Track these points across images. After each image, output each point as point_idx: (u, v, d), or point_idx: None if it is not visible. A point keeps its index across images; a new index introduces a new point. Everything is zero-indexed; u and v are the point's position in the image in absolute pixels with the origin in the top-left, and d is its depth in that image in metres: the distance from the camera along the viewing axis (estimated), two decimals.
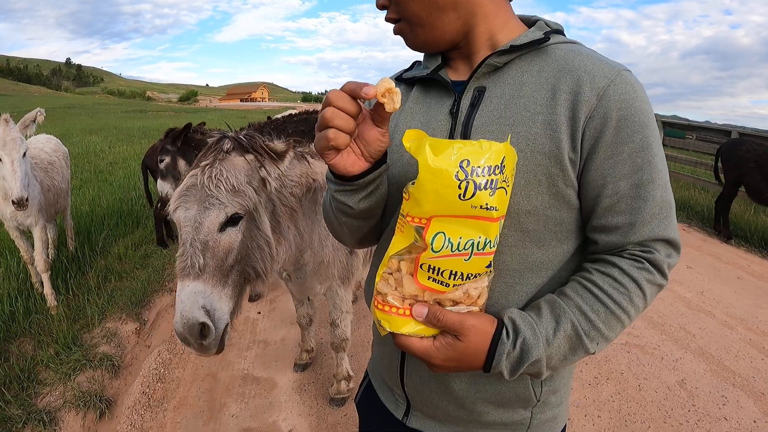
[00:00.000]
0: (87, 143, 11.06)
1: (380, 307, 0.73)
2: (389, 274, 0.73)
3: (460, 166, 0.64)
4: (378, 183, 0.80)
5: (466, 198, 0.64)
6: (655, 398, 2.58)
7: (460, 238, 0.66)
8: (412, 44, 0.84)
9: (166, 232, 4.58)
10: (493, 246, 0.68)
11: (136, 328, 3.16)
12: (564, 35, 0.83)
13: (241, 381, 2.66)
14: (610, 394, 2.61)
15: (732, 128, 8.72)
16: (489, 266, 0.70)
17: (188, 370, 2.75)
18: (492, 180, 0.64)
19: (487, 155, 0.64)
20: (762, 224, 5.91)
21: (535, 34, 0.79)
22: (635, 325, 3.38)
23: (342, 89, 0.69)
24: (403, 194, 0.70)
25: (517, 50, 0.78)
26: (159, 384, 2.57)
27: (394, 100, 0.66)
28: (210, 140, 1.48)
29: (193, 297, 1.29)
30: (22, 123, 2.82)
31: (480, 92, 0.81)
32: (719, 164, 5.92)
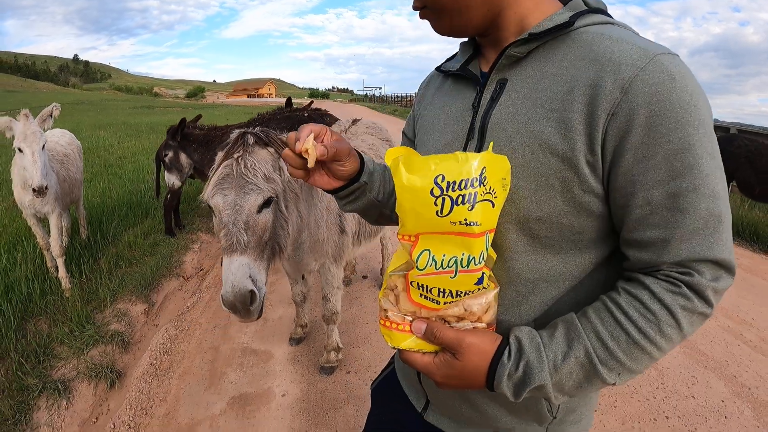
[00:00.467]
0: (96, 138, 11.30)
1: (383, 322, 0.72)
2: (390, 290, 0.72)
3: (435, 182, 0.62)
4: (355, 196, 0.88)
5: (443, 215, 0.62)
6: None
7: (444, 255, 0.64)
8: (439, 30, 0.79)
9: (174, 221, 4.80)
10: (480, 262, 0.65)
11: (145, 309, 3.36)
12: (604, 14, 0.73)
13: (240, 353, 2.88)
14: None
15: (731, 125, 8.81)
16: (479, 283, 0.66)
17: (192, 343, 2.97)
18: (470, 194, 0.61)
19: (463, 168, 0.62)
20: (755, 219, 5.96)
21: (560, 17, 0.70)
22: None
23: (288, 137, 0.77)
24: None
25: (538, 38, 0.70)
26: (165, 356, 2.79)
27: (310, 159, 0.72)
28: (232, 135, 1.65)
29: (242, 269, 1.48)
30: (40, 117, 3.02)
31: (502, 85, 0.75)
32: None
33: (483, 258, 0.64)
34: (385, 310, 0.72)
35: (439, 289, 0.66)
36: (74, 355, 2.75)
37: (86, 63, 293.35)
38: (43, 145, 2.91)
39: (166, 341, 2.92)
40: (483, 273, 0.66)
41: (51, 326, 3.05)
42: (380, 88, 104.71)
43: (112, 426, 2.26)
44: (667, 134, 0.60)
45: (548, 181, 0.67)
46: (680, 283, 0.63)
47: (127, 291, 3.48)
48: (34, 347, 2.76)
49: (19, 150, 2.86)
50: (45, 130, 3.10)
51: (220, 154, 1.61)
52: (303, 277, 2.62)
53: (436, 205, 0.62)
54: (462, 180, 0.61)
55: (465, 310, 0.68)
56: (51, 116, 3.09)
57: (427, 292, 0.67)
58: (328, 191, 0.86)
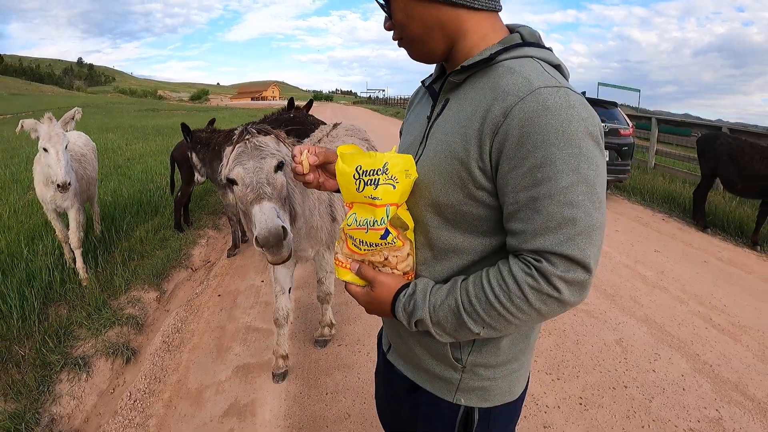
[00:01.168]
0: (105, 140, 11.58)
1: (336, 262, 1.00)
2: (341, 240, 0.99)
3: (355, 170, 0.89)
4: None
5: (359, 191, 0.89)
6: (591, 351, 3.01)
7: (361, 217, 0.90)
8: (413, 57, 0.98)
9: (183, 218, 5.08)
10: (381, 224, 0.88)
11: (156, 296, 3.63)
12: (537, 45, 0.89)
13: (244, 330, 3.17)
14: (549, 346, 3.03)
15: (727, 125, 9.00)
16: (384, 238, 0.90)
17: (201, 324, 3.25)
18: (375, 179, 0.87)
19: (371, 161, 0.89)
20: (740, 215, 6.15)
21: (487, 52, 0.86)
22: (590, 295, 3.77)
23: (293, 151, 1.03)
24: None
25: (468, 69, 0.87)
26: (177, 334, 3.07)
27: (304, 166, 1.00)
28: (237, 130, 1.90)
29: (272, 211, 1.70)
30: (63, 120, 3.29)
31: (446, 103, 0.94)
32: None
33: (384, 222, 0.88)
34: (336, 253, 1.00)
35: (360, 239, 0.92)
36: (92, 336, 2.99)
37: (90, 66, 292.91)
38: (66, 146, 3.18)
39: (177, 322, 3.20)
40: (387, 230, 0.89)
41: (70, 311, 3.29)
42: (383, 90, 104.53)
43: (129, 394, 2.53)
44: (533, 151, 0.76)
45: (452, 178, 0.86)
46: (532, 267, 0.78)
47: (140, 280, 3.74)
48: (56, 329, 2.99)
49: (44, 150, 3.12)
50: (67, 132, 3.37)
51: (228, 148, 1.85)
52: (290, 290, 2.70)
53: (355, 184, 0.89)
54: (371, 169, 0.88)
55: (385, 259, 0.93)
56: (73, 119, 3.36)
57: (354, 242, 0.94)
58: (336, 191, 1.06)
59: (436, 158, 0.90)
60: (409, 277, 0.95)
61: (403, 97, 55.50)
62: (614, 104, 7.38)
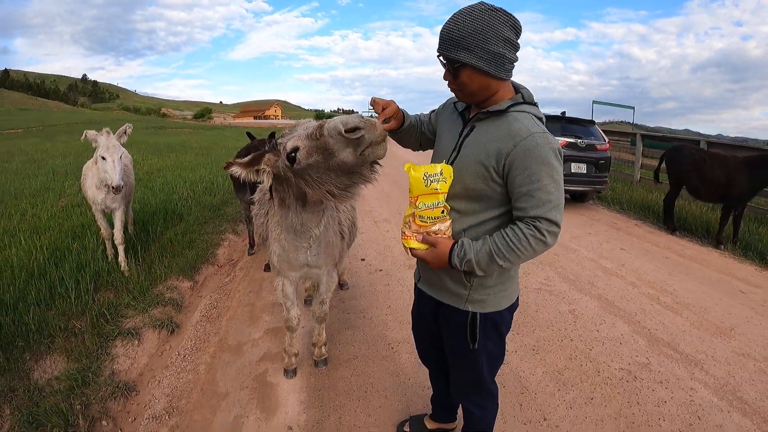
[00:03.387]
0: None
1: (403, 237, 1.60)
2: (405, 223, 1.59)
3: (423, 174, 1.49)
4: (403, 132, 1.80)
5: (427, 186, 1.49)
6: (546, 317, 3.66)
7: (429, 202, 1.51)
8: (460, 99, 1.62)
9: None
10: (439, 205, 1.51)
11: (190, 285, 4.24)
12: (530, 103, 1.54)
13: (271, 306, 3.82)
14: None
15: (702, 137, 9.62)
16: (443, 213, 1.54)
17: (234, 301, 3.89)
18: (436, 178, 1.49)
19: (432, 169, 1.49)
20: (709, 219, 6.75)
21: (503, 105, 1.50)
22: (552, 279, 4.44)
23: (376, 103, 1.73)
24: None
25: (491, 114, 1.52)
26: (214, 310, 3.72)
27: (387, 115, 1.69)
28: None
29: (339, 118, 1.66)
30: (118, 134, 3.90)
31: (472, 128, 1.57)
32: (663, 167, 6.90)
33: (441, 203, 1.52)
34: (403, 231, 1.61)
35: (427, 216, 1.54)
36: (139, 313, 3.53)
37: (95, 83, 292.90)
38: (121, 156, 3.82)
39: (213, 301, 3.85)
40: (443, 209, 1.54)
41: (117, 295, 3.82)
42: None
43: (178, 353, 3.14)
44: (530, 166, 1.41)
45: (477, 175, 1.50)
46: (531, 226, 1.44)
47: (174, 272, 4.32)
48: (107, 307, 3.52)
49: (102, 158, 3.74)
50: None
51: (270, 156, 1.93)
52: (304, 301, 2.94)
53: (424, 182, 1.50)
54: (432, 173, 1.50)
55: (439, 229, 1.55)
56: (125, 133, 3.99)
57: (423, 219, 1.54)
58: (396, 130, 1.77)
59: (468, 162, 1.54)
60: (451, 240, 1.57)
61: None
62: (592, 122, 8.10)
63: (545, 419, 2.51)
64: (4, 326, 3.04)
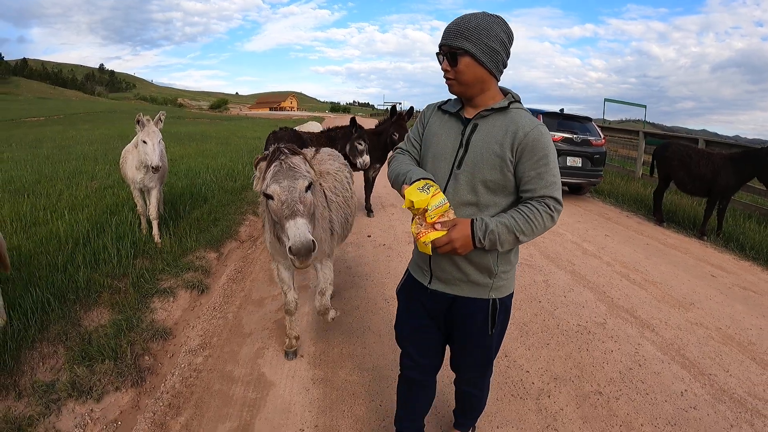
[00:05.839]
0: None
1: (417, 237, 1.55)
2: (416, 225, 1.55)
3: (416, 189, 1.53)
4: None
5: (428, 192, 1.50)
6: (521, 283, 4.20)
7: (436, 201, 1.50)
8: (452, 92, 1.66)
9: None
10: (445, 202, 1.51)
11: (216, 256, 4.81)
12: (519, 101, 1.64)
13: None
14: None
15: (700, 136, 9.95)
16: (449, 207, 1.53)
17: (256, 268, 4.52)
18: (428, 185, 1.52)
19: (418, 185, 1.54)
20: (698, 213, 7.09)
21: (504, 102, 1.59)
22: (534, 255, 4.95)
23: None
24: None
25: (493, 111, 1.60)
26: (239, 274, 4.32)
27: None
28: (271, 149, 2.13)
29: (304, 226, 1.94)
30: (155, 121, 4.48)
31: (475, 126, 1.62)
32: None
33: (445, 200, 1.53)
34: (415, 232, 1.57)
35: (437, 214, 1.51)
36: (173, 276, 4.06)
37: (111, 72, 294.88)
38: (159, 139, 4.38)
39: (238, 267, 4.47)
40: (444, 201, 1.53)
41: (152, 262, 4.35)
42: (400, 104, 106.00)
43: (208, 307, 3.72)
44: (538, 152, 1.53)
45: (494, 166, 1.57)
46: (543, 203, 1.54)
47: (202, 245, 4.88)
48: (145, 270, 4.04)
49: (144, 141, 4.28)
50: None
51: (262, 163, 2.11)
52: (294, 286, 2.89)
53: (424, 192, 1.52)
54: (423, 185, 1.55)
55: (449, 216, 1.53)
56: (161, 120, 4.55)
57: (432, 218, 1.51)
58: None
59: (483, 155, 1.60)
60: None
61: (418, 111, 56.30)
62: (588, 119, 8.53)
63: (506, 356, 3.06)
64: (57, 282, 3.54)
